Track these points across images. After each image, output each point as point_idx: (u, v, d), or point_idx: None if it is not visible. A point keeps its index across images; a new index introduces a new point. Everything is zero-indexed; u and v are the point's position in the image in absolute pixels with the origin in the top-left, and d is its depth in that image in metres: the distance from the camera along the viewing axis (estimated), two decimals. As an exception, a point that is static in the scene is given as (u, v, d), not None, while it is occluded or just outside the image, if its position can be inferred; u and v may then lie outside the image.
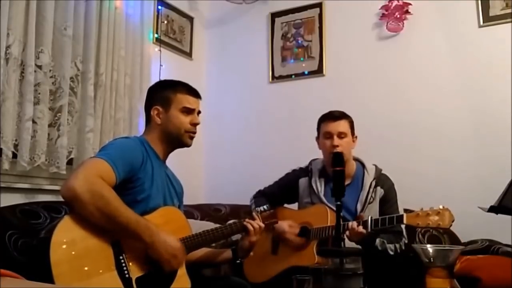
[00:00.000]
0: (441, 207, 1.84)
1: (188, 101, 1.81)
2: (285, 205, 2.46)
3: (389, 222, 1.96)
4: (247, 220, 1.83)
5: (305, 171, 2.39)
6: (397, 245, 2.12)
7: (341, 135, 2.23)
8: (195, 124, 1.82)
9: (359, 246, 2.08)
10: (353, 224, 1.98)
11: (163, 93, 1.82)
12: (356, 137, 2.32)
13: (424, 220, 1.85)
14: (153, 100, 1.83)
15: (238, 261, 1.86)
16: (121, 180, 1.58)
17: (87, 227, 1.48)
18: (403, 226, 2.19)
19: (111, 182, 1.54)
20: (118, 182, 1.57)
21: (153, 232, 1.55)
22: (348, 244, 2.06)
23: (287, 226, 2.19)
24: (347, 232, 1.98)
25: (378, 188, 2.24)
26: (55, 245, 1.40)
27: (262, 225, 1.84)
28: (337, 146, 2.19)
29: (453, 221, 1.81)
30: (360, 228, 1.96)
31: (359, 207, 2.21)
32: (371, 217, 1.99)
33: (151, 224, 1.57)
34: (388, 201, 2.22)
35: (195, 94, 1.85)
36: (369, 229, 1.97)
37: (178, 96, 1.80)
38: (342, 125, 2.25)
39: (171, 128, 1.79)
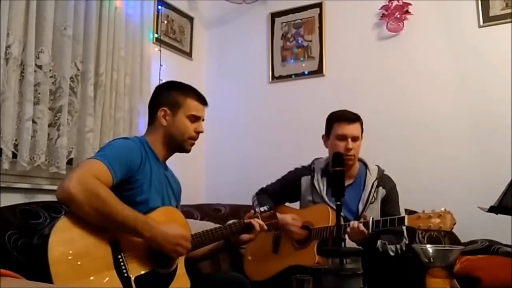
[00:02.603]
0: (443, 209, 1.83)
1: (197, 109, 1.82)
2: (287, 204, 2.46)
3: (390, 224, 1.96)
4: (252, 220, 1.84)
5: (308, 170, 2.39)
6: (398, 246, 2.12)
7: (354, 139, 2.21)
8: (199, 132, 1.83)
9: (360, 247, 2.08)
10: (354, 223, 1.98)
11: (172, 96, 1.81)
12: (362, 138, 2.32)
13: (425, 223, 1.84)
14: (162, 101, 1.81)
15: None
16: (118, 181, 1.58)
17: (85, 226, 1.48)
18: (404, 227, 2.18)
19: (108, 183, 1.54)
20: (115, 183, 1.56)
21: (152, 226, 1.56)
22: (349, 244, 2.06)
23: (290, 218, 2.19)
24: (348, 229, 1.98)
25: (380, 188, 2.23)
26: (53, 244, 1.40)
27: (265, 226, 1.87)
28: (351, 149, 2.19)
29: (454, 223, 1.80)
30: (362, 227, 1.96)
31: (360, 207, 2.21)
32: (372, 218, 1.99)
33: (149, 219, 1.57)
34: (390, 201, 2.22)
35: (204, 102, 1.86)
36: (370, 230, 1.96)
37: (188, 102, 1.80)
38: (356, 129, 2.23)
39: (175, 132, 1.79)
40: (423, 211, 1.89)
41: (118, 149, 1.64)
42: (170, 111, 1.79)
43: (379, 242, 2.07)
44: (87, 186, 1.46)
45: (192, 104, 1.81)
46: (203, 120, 1.87)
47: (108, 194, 1.50)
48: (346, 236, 2.00)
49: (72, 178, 1.46)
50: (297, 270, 1.96)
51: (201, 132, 1.84)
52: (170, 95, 1.82)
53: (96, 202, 1.46)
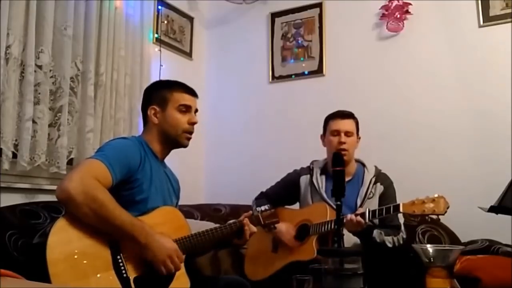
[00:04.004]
0: (436, 195, 1.87)
1: (184, 98, 1.80)
2: (286, 207, 2.47)
3: (386, 212, 1.99)
4: (245, 223, 1.83)
5: (307, 170, 2.43)
6: (395, 238, 2.14)
7: (348, 134, 2.28)
8: (192, 123, 1.81)
9: (357, 240, 2.09)
10: (351, 215, 2.00)
11: (159, 93, 1.81)
12: (359, 138, 2.37)
13: (419, 208, 1.89)
14: (150, 100, 1.82)
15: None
16: (118, 181, 1.58)
17: (84, 227, 1.48)
18: (401, 222, 2.22)
19: (107, 183, 1.53)
20: (114, 183, 1.56)
21: (148, 233, 1.54)
22: (348, 243, 2.07)
23: (285, 228, 2.22)
24: (344, 220, 1.99)
25: (378, 184, 2.27)
26: (52, 245, 1.40)
27: (254, 230, 1.85)
28: (344, 143, 2.25)
29: (448, 207, 1.84)
30: (359, 218, 1.98)
31: (358, 202, 2.24)
32: (368, 209, 2.02)
33: (146, 226, 1.56)
34: (388, 197, 2.24)
35: (191, 92, 1.84)
36: (367, 220, 1.99)
37: (174, 95, 1.79)
38: (349, 124, 2.31)
39: (168, 127, 1.78)
40: (417, 197, 1.92)
41: (118, 149, 1.64)
42: (159, 108, 1.79)
43: (375, 231, 2.09)
44: (86, 188, 1.46)
45: (179, 96, 1.79)
46: (196, 112, 1.84)
47: (107, 197, 1.50)
48: (344, 230, 2.01)
49: (71, 178, 1.46)
50: (296, 266, 1.98)
51: (195, 123, 1.81)
52: (157, 93, 1.82)
53: (94, 204, 1.46)
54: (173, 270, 1.59)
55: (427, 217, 2.43)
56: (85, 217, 1.46)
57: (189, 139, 1.82)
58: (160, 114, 1.79)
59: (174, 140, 1.80)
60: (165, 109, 1.78)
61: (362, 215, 1.99)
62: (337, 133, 2.29)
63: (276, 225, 2.04)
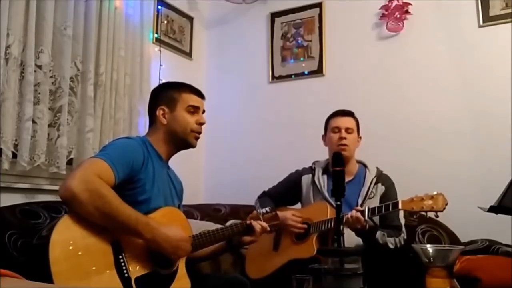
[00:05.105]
0: (434, 192, 1.89)
1: (192, 99, 1.83)
2: (288, 207, 2.47)
3: (385, 209, 2.00)
4: (252, 221, 1.84)
5: (309, 169, 2.45)
6: (397, 240, 2.16)
7: (348, 130, 2.31)
8: (201, 124, 1.83)
9: (360, 240, 2.10)
10: (351, 213, 2.01)
11: (168, 94, 1.83)
12: (360, 137, 2.38)
13: (418, 205, 1.90)
14: (158, 101, 1.83)
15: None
16: (121, 180, 1.58)
17: (87, 226, 1.48)
18: (402, 222, 2.23)
19: (110, 182, 1.53)
20: (117, 182, 1.56)
21: (153, 227, 1.55)
22: (350, 244, 2.07)
23: (290, 214, 2.23)
24: (345, 218, 1.99)
25: (379, 184, 2.29)
26: (54, 244, 1.39)
27: (266, 225, 1.86)
28: (345, 138, 2.28)
29: (446, 204, 1.85)
30: (358, 214, 1.99)
31: (360, 202, 2.25)
32: (368, 206, 2.03)
33: (151, 220, 1.57)
34: (389, 198, 2.24)
35: (199, 94, 1.87)
36: (366, 217, 2.00)
37: (183, 96, 1.81)
38: (350, 121, 2.34)
39: (177, 127, 1.79)
40: (416, 195, 1.93)
41: (121, 149, 1.64)
42: (168, 109, 1.80)
43: (378, 233, 2.11)
44: (89, 185, 1.46)
45: (187, 97, 1.82)
46: (203, 113, 1.87)
47: (111, 194, 1.50)
48: (345, 229, 2.02)
49: (74, 176, 1.46)
50: (297, 264, 1.98)
51: (203, 123, 1.84)
52: (166, 93, 1.84)
53: (98, 201, 1.46)
54: (184, 256, 1.65)
55: (425, 214, 2.44)
56: (89, 214, 1.46)
57: (197, 139, 1.84)
58: (169, 115, 1.80)
59: (183, 140, 1.81)
60: (174, 110, 1.80)
61: (362, 212, 2.00)
62: (337, 129, 2.31)
63: (280, 215, 2.05)
